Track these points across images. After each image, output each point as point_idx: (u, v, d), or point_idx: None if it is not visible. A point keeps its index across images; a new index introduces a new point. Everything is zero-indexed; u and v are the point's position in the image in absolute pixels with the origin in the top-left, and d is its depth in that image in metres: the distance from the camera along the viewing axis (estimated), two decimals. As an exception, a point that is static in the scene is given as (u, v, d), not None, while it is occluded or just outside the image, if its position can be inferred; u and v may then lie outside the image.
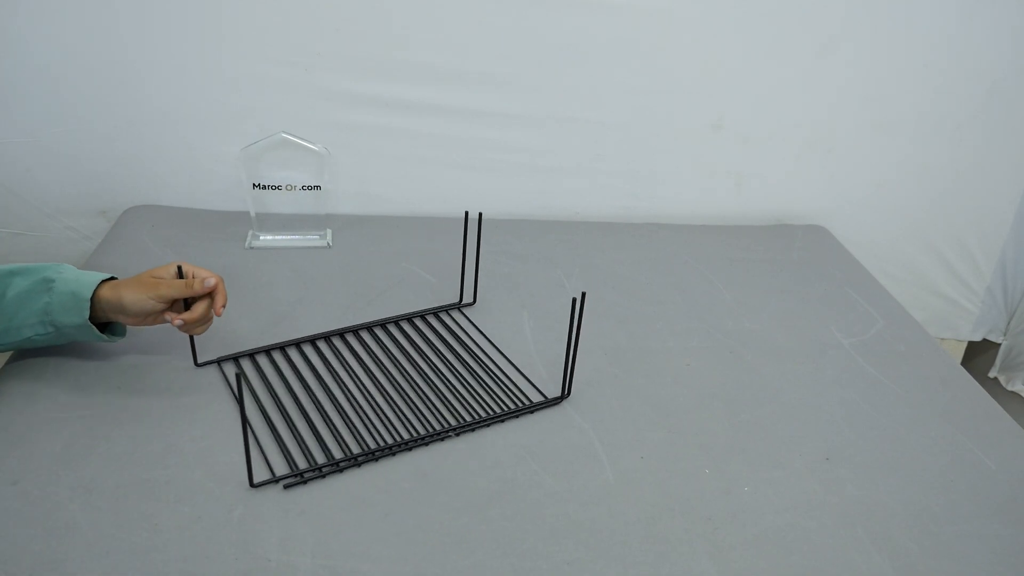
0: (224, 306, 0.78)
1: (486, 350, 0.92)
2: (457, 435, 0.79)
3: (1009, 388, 1.52)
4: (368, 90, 1.13)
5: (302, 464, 0.73)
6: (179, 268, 0.77)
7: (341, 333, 0.92)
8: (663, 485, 0.75)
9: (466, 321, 0.97)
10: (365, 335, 0.93)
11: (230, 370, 0.84)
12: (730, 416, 0.85)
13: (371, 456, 0.75)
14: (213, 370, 0.84)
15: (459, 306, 1.00)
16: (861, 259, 1.26)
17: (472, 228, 0.96)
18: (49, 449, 0.71)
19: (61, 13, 1.01)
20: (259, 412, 0.79)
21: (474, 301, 1.01)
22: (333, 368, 0.87)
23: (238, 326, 0.91)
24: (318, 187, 1.10)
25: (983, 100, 1.26)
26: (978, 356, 1.60)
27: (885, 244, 1.39)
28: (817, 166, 1.30)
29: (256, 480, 0.70)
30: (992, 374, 1.56)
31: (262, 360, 0.87)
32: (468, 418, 0.81)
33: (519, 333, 0.96)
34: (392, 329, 0.94)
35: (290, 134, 1.05)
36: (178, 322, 0.76)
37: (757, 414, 0.86)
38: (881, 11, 1.16)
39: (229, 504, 0.68)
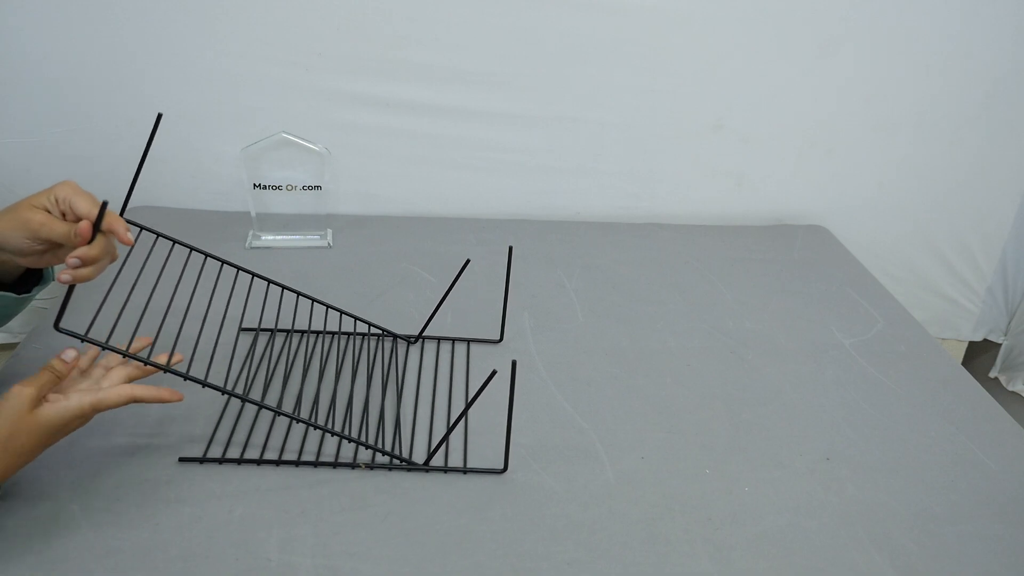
0: (127, 230, 0.61)
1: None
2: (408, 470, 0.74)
3: (1010, 388, 1.52)
4: (368, 90, 1.13)
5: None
6: (104, 204, 0.61)
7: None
8: (663, 485, 0.75)
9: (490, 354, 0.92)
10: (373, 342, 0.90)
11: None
12: (731, 416, 0.85)
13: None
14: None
15: (488, 341, 0.93)
16: (861, 259, 1.26)
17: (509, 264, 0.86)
18: (49, 449, 0.71)
19: (61, 13, 1.01)
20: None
21: (500, 339, 0.94)
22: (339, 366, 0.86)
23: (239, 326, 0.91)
24: (318, 187, 1.10)
25: (983, 100, 1.26)
26: (979, 356, 1.60)
27: (885, 244, 1.39)
28: (817, 166, 1.30)
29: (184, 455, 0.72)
30: (993, 374, 1.56)
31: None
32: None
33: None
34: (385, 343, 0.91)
35: (290, 134, 1.05)
36: (73, 261, 0.59)
37: (757, 414, 0.86)
38: (881, 11, 1.16)
39: (229, 504, 0.68)
